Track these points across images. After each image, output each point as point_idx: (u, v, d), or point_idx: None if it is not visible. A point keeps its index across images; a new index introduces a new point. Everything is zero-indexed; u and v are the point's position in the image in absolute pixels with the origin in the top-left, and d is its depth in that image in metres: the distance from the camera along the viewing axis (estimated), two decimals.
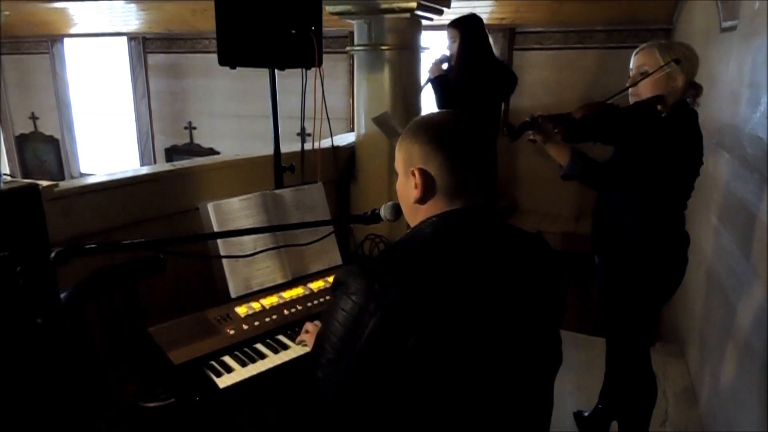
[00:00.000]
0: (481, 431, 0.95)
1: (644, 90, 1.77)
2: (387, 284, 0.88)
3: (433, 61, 3.09)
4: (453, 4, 3.28)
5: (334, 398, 0.95)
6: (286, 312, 1.72)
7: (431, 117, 1.06)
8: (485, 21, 3.23)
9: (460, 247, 0.96)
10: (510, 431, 1.00)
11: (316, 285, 1.88)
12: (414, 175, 1.00)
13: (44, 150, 6.79)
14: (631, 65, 1.82)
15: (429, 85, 3.13)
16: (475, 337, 0.92)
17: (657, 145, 1.68)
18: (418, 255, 0.95)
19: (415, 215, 1.05)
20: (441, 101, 3.09)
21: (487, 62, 3.15)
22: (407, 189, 1.03)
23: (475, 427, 0.94)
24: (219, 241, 1.80)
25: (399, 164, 1.05)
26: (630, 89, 1.81)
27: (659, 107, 1.75)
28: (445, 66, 3.12)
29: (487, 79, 3.11)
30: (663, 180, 1.72)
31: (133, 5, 5.45)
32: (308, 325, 1.53)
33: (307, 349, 1.52)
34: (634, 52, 1.82)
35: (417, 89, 3.15)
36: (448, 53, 3.15)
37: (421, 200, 1.01)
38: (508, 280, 0.98)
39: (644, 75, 1.76)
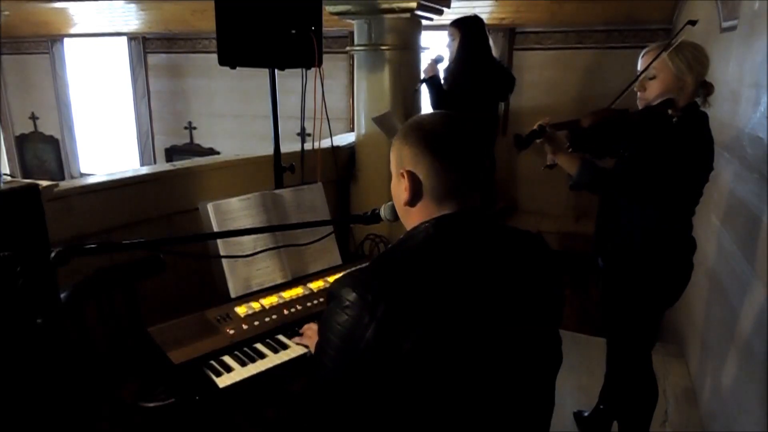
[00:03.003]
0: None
1: (652, 92, 1.73)
2: (379, 295, 0.88)
3: (428, 61, 3.07)
4: (453, 4, 3.29)
5: (335, 409, 0.95)
6: (285, 312, 1.72)
7: (423, 118, 1.05)
8: (485, 21, 3.23)
9: (453, 252, 0.95)
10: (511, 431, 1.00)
11: (316, 285, 1.88)
12: (404, 177, 1.00)
13: (44, 150, 6.79)
14: (638, 67, 1.78)
15: (424, 85, 3.11)
16: (471, 341, 0.92)
17: (668, 153, 1.65)
18: (412, 264, 0.94)
19: (407, 217, 1.05)
20: (436, 102, 3.07)
21: (485, 63, 3.15)
22: (399, 191, 1.03)
23: (477, 429, 0.94)
24: (219, 241, 1.80)
25: (392, 166, 1.05)
26: (639, 93, 1.77)
27: (670, 112, 1.69)
28: (440, 66, 3.11)
29: (484, 80, 3.10)
30: (673, 188, 1.68)
31: (133, 5, 5.45)
32: (306, 329, 1.53)
33: (306, 350, 1.52)
34: (642, 54, 1.78)
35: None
36: (443, 53, 3.13)
37: (411, 203, 1.01)
38: (503, 282, 0.97)
39: (652, 78, 1.72)
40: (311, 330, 1.49)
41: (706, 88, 1.73)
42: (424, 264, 0.93)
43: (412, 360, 0.86)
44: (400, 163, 1.02)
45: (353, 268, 0.97)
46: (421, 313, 0.88)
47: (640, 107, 1.80)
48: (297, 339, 1.57)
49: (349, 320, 0.88)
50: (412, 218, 1.02)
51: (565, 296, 1.08)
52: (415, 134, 1.00)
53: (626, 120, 1.78)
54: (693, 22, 1.72)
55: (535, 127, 1.83)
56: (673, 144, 1.66)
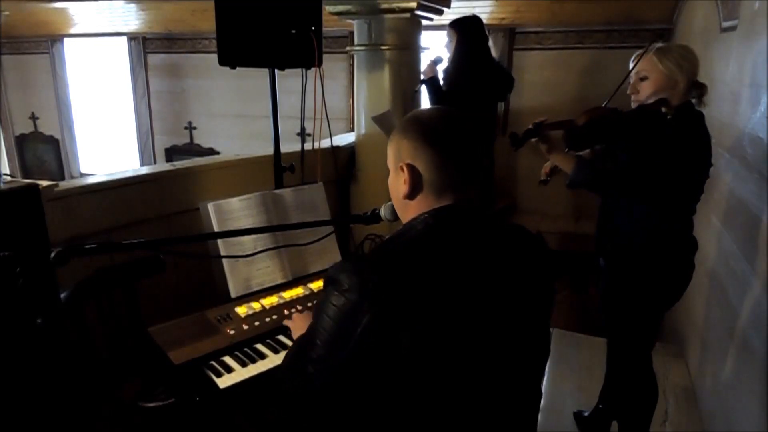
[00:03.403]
0: (472, 424, 0.96)
1: (645, 93, 1.75)
2: (381, 282, 0.88)
3: (428, 62, 3.07)
4: (453, 4, 3.28)
5: (323, 392, 0.95)
6: (286, 312, 1.72)
7: (421, 113, 1.07)
8: (485, 21, 3.22)
9: (452, 244, 0.96)
10: (500, 423, 1.00)
11: (316, 285, 1.88)
12: (403, 170, 1.00)
13: (44, 150, 6.79)
14: (630, 70, 1.81)
15: (424, 86, 3.10)
16: (467, 333, 0.93)
17: (663, 149, 1.66)
18: (412, 253, 0.95)
19: (405, 211, 1.05)
20: (435, 103, 3.06)
21: (483, 64, 3.15)
22: (397, 184, 1.04)
23: (465, 420, 0.94)
24: (219, 241, 1.80)
25: (390, 160, 1.06)
26: (632, 95, 1.80)
27: (664, 110, 1.72)
28: (439, 67, 3.10)
29: (482, 81, 3.10)
30: (670, 184, 1.70)
31: (133, 5, 5.45)
32: (295, 315, 1.53)
33: None
34: (632, 59, 1.81)
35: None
36: (442, 54, 3.13)
37: (410, 196, 1.02)
38: (498, 275, 0.98)
39: (643, 80, 1.75)
40: (293, 319, 1.49)
41: (699, 89, 1.76)
42: (424, 255, 0.94)
43: (408, 348, 0.87)
44: (399, 156, 1.02)
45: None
46: (420, 303, 0.89)
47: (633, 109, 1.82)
48: (286, 321, 1.54)
49: (348, 304, 0.89)
50: (409, 212, 1.03)
51: (556, 290, 1.09)
52: (413, 128, 1.01)
53: (621, 118, 1.80)
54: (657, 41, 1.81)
55: (530, 125, 1.86)
56: (668, 141, 1.68)
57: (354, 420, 0.95)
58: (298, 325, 1.41)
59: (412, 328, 0.87)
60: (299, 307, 1.75)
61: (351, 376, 0.91)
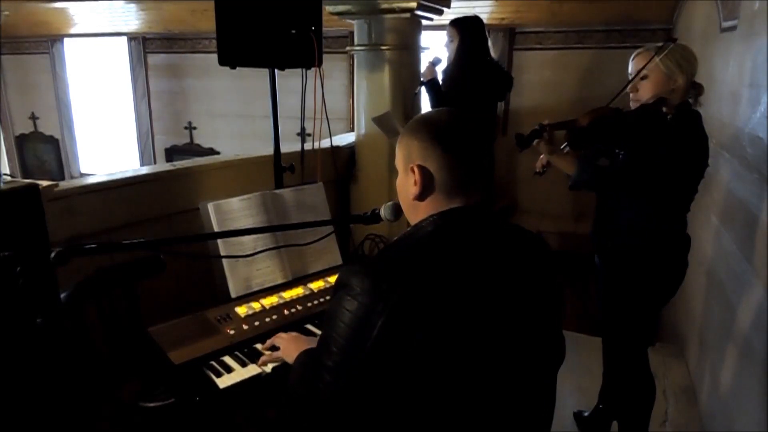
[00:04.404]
0: (487, 426, 0.96)
1: (645, 93, 1.77)
2: (394, 284, 0.88)
3: (426, 64, 3.06)
4: (453, 4, 3.28)
5: (342, 399, 0.94)
6: (286, 312, 1.72)
7: (431, 114, 1.07)
8: (485, 21, 3.22)
9: (463, 245, 0.96)
10: (515, 425, 1.00)
11: (316, 285, 1.88)
12: (413, 171, 1.00)
13: (44, 150, 6.80)
14: (629, 70, 1.82)
15: (423, 88, 3.09)
16: (480, 333, 0.93)
17: (665, 149, 1.68)
18: (422, 254, 0.95)
19: (414, 212, 1.05)
20: (435, 104, 3.05)
21: (483, 64, 3.14)
22: (406, 186, 1.04)
23: (480, 423, 0.94)
24: (219, 241, 1.80)
25: (399, 161, 1.06)
26: (631, 94, 1.81)
27: (665, 110, 1.75)
28: (438, 68, 3.10)
29: (481, 81, 3.10)
30: (671, 183, 1.71)
31: (133, 5, 5.45)
32: (285, 337, 1.46)
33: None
34: (631, 57, 1.82)
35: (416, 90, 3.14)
36: (441, 55, 3.12)
37: (420, 197, 1.02)
38: (509, 276, 0.98)
39: (643, 79, 1.76)
40: (282, 339, 1.45)
41: (696, 89, 1.78)
42: (435, 255, 0.94)
43: (423, 350, 0.87)
44: (409, 157, 1.02)
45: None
46: (434, 303, 0.89)
47: (632, 108, 1.83)
48: (267, 357, 1.48)
49: (362, 307, 0.89)
50: (419, 213, 1.03)
51: (565, 295, 1.09)
52: (424, 129, 1.01)
53: (622, 118, 1.82)
54: (674, 40, 1.78)
55: (536, 126, 1.87)
56: (669, 140, 1.69)
57: (366, 422, 0.95)
58: (289, 347, 1.38)
59: (426, 328, 0.87)
60: (299, 307, 1.75)
61: (369, 378, 0.90)
